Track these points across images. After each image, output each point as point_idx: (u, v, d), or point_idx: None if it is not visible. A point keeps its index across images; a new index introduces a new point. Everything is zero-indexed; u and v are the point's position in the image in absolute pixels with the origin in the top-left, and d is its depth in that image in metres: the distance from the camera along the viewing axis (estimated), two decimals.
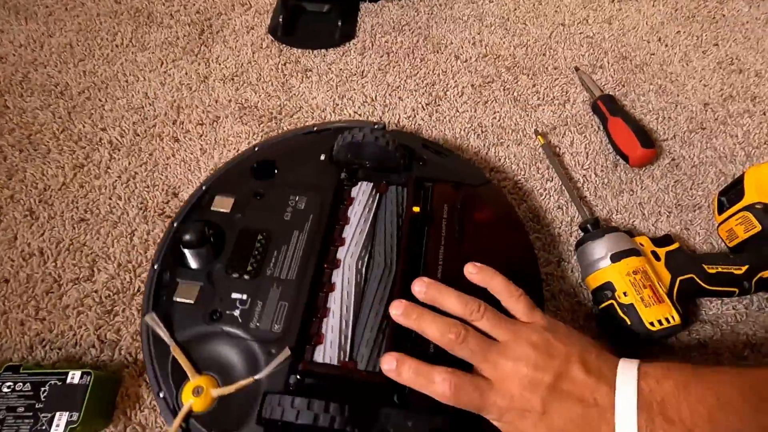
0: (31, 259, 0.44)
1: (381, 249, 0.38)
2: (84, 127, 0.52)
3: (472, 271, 0.35)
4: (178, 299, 0.36)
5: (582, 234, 0.44)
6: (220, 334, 0.34)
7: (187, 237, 0.37)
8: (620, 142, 0.51)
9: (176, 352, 0.33)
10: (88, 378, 0.34)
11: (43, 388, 0.34)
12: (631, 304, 0.38)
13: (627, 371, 0.28)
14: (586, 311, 0.43)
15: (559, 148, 0.53)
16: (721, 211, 0.46)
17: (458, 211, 0.40)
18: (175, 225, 0.40)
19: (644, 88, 0.58)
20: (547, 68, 0.60)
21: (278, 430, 0.30)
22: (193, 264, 0.37)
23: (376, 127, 0.44)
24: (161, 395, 0.33)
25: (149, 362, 0.34)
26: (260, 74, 0.58)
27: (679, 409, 0.26)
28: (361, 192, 0.41)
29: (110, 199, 0.48)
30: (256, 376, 0.32)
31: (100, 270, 0.44)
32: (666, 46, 0.63)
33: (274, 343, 0.33)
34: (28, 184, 0.48)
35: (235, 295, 0.35)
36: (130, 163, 0.50)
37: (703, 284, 0.40)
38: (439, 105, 0.56)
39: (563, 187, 0.49)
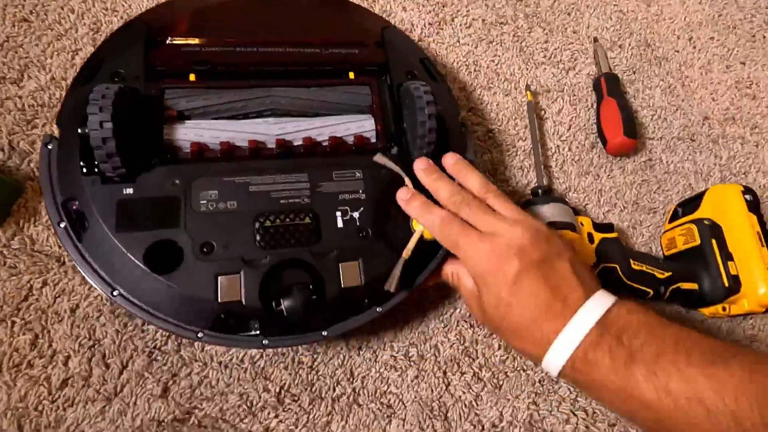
0: None
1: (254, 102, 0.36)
2: None
3: (449, 162, 0.35)
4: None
5: (531, 197, 0.43)
6: None
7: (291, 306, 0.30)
8: (605, 124, 0.49)
9: (409, 184, 0.34)
10: None
11: None
12: None
13: (606, 295, 0.28)
14: None
15: (545, 112, 0.51)
16: (672, 220, 0.46)
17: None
18: None
19: (653, 82, 0.55)
20: (566, 29, 0.56)
21: None
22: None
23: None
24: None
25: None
26: None
27: (633, 338, 0.26)
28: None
29: (62, 8, 0.43)
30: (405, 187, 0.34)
31: (30, 77, 0.40)
32: (694, 47, 0.59)
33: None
34: None
35: None
36: None
37: (623, 277, 0.40)
38: (441, 29, 0.52)
39: (532, 150, 0.47)
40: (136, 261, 0.29)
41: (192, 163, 0.33)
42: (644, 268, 0.40)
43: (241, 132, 0.34)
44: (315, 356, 0.37)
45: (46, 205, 0.31)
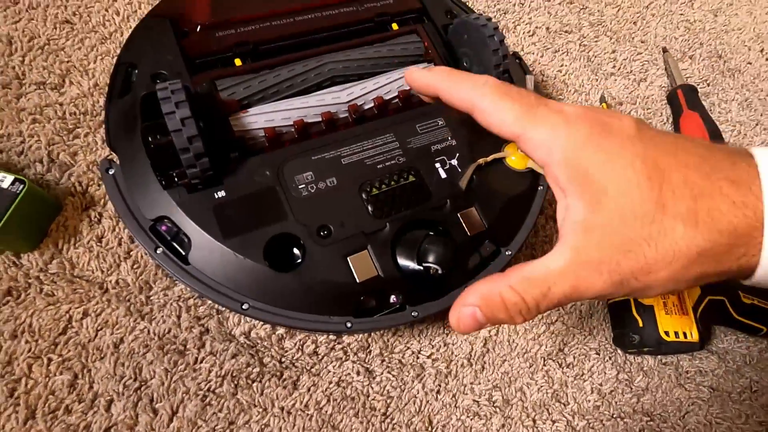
0: None
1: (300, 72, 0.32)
2: None
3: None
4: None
5: None
6: None
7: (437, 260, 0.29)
8: None
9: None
10: (21, 187, 0.29)
11: None
12: (651, 306, 0.33)
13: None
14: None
15: None
16: None
17: None
18: None
19: (729, 96, 0.52)
20: (633, 38, 0.52)
21: None
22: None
23: None
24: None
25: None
26: None
27: None
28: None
29: (107, 10, 0.40)
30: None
31: (72, 83, 0.37)
32: (767, 60, 0.55)
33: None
34: None
35: None
36: None
37: (731, 311, 0.35)
38: (504, 37, 0.49)
39: None
40: (258, 264, 0.27)
41: (272, 150, 0.30)
42: (756, 302, 0.35)
43: (310, 107, 0.32)
44: (388, 401, 0.32)
45: (133, 236, 0.28)
